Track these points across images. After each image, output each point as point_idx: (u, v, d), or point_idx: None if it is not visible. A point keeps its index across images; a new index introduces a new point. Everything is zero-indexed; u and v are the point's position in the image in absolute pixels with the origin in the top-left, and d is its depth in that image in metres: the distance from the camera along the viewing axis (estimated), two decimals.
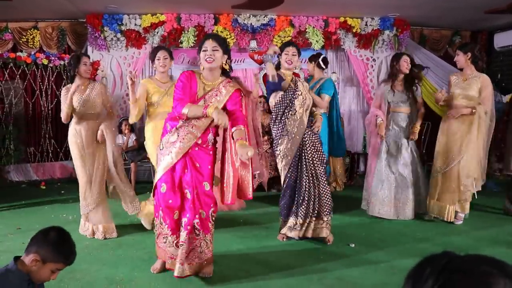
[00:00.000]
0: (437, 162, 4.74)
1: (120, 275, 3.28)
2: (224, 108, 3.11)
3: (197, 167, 3.10)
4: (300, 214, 3.96)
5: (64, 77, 6.26)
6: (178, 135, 3.09)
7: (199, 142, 3.11)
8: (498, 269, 0.77)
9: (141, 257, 3.68)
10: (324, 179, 4.07)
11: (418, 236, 4.29)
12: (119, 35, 6.81)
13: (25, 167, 6.98)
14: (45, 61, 6.87)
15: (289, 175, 4.02)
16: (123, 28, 6.79)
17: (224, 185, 3.23)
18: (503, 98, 7.29)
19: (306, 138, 4.01)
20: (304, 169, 3.97)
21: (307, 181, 3.97)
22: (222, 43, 3.12)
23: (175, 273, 3.10)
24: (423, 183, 4.86)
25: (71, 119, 4.23)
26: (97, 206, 4.20)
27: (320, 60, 5.28)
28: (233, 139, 3.09)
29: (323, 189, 4.01)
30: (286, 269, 3.44)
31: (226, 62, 3.14)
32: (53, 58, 6.90)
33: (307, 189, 3.96)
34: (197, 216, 3.10)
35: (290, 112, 3.97)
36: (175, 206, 3.13)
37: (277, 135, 4.03)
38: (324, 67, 5.34)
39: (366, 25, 7.20)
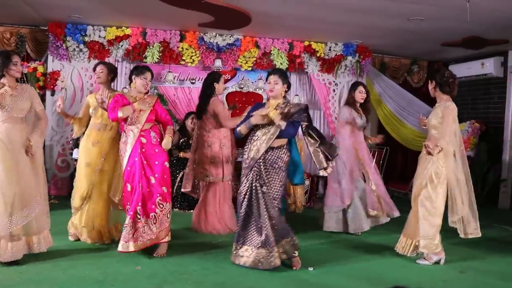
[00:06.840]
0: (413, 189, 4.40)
1: None
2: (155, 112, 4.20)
3: (146, 164, 3.99)
4: None
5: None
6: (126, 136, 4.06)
7: (144, 141, 3.99)
8: None
9: (95, 277, 3.55)
10: None
11: (377, 259, 4.32)
12: (82, 46, 6.65)
13: None
14: None
15: None
16: (86, 39, 6.64)
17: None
18: None
19: None
20: None
21: None
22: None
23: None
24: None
25: None
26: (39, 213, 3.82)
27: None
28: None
29: None
30: None
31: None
32: None
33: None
34: (140, 203, 3.93)
35: None
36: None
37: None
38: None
39: (329, 50, 7.38)
